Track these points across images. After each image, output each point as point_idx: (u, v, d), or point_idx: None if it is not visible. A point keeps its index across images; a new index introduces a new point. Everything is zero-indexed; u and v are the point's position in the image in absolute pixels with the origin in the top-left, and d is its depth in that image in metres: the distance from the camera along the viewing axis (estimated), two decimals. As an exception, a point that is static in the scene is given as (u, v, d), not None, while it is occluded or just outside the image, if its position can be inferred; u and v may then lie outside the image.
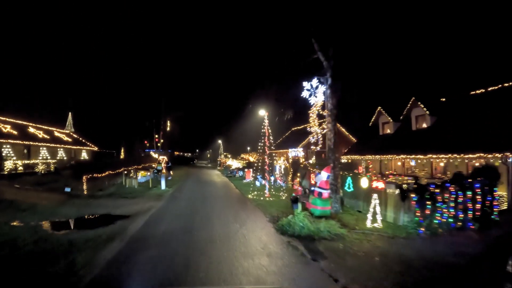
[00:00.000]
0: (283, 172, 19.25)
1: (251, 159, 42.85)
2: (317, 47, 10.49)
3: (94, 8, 59.24)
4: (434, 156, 16.59)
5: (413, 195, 8.59)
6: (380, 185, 9.43)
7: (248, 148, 64.63)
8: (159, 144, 39.05)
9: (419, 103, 19.46)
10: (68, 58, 58.23)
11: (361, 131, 27.85)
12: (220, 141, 42.71)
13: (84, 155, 37.27)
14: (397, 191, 8.93)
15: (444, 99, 20.37)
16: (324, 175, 9.06)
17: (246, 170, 22.17)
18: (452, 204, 9.14)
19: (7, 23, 44.86)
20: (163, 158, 27.92)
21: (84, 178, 14.86)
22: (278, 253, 6.16)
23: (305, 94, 9.74)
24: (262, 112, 14.33)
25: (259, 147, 14.92)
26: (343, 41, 10.61)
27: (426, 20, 24.32)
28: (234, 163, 31.20)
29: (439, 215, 8.87)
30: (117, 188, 16.84)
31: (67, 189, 14.76)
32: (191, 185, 19.87)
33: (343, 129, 37.44)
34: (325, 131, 9.77)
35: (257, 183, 18.36)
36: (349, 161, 24.17)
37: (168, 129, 41.55)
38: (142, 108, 39.22)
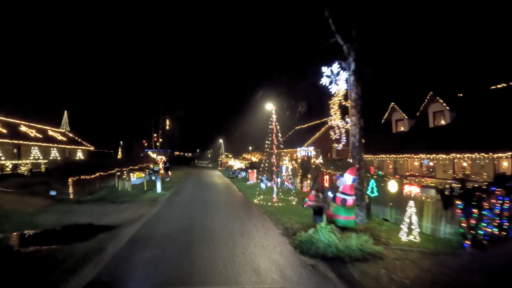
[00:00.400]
0: (290, 174, 17.70)
1: (254, 159, 41.34)
2: (334, 29, 8.96)
3: (92, 4, 57.82)
4: (458, 155, 15.04)
5: (458, 202, 7.06)
6: (414, 189, 7.88)
7: (250, 148, 63.16)
8: (158, 144, 37.57)
9: (437, 98, 17.92)
10: (65, 55, 56.83)
11: (372, 129, 26.27)
12: (221, 141, 41.15)
13: (80, 155, 35.80)
14: (438, 197, 7.39)
15: (462, 95, 18.82)
16: (348, 178, 7.52)
17: (249, 171, 20.64)
18: (497, 211, 7.62)
19: (1, 19, 43.51)
20: (161, 158, 26.43)
21: (70, 180, 13.33)
22: (302, 283, 4.62)
23: (324, 81, 8.18)
24: (270, 106, 12.78)
25: (266, 146, 13.40)
26: (366, 22, 9.07)
27: (441, 12, 22.74)
28: (237, 164, 29.66)
29: (484, 224, 7.35)
30: (109, 191, 15.33)
31: (52, 193, 13.25)
32: (190, 188, 18.34)
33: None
34: (348, 125, 8.21)
35: (262, 186, 16.82)
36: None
37: (167, 128, 40.02)
38: (141, 107, 37.90)
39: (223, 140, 41.73)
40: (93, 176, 15.95)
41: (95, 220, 8.76)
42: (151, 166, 23.67)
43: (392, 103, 22.08)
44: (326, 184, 12.76)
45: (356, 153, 8.00)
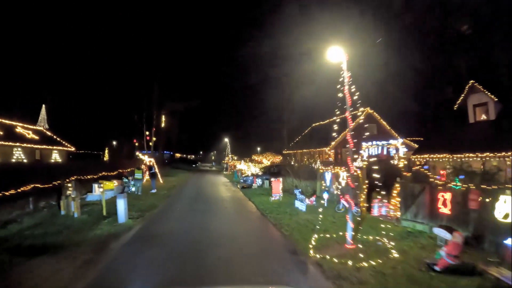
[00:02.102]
0: (341, 185, 11.15)
1: (265, 161, 34.81)
2: None
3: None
4: None
5: None
6: None
7: (258, 149, 56.58)
8: (150, 144, 31.32)
9: None
10: (47, 43, 50.09)
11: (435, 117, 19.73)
12: (226, 140, 34.69)
13: (56, 157, 29.53)
14: None
15: None
16: None
17: (273, 179, 14.07)
18: None
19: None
20: (150, 161, 20.00)
21: None
22: None
23: None
24: (337, 54, 6.14)
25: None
26: None
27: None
28: (251, 168, 23.01)
29: None
30: (42, 219, 8.90)
31: None
32: (181, 210, 11.38)
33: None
34: None
35: (299, 205, 10.33)
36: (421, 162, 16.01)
37: (163, 125, 33.70)
38: (132, 104, 31.43)
39: (229, 140, 35.35)
40: (20, 190, 9.53)
41: None
42: (126, 171, 17.19)
43: (471, 81, 15.51)
44: (445, 210, 6.30)
45: None
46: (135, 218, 8.96)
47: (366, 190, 9.34)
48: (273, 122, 55.06)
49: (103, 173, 16.41)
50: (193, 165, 61.49)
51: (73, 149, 32.49)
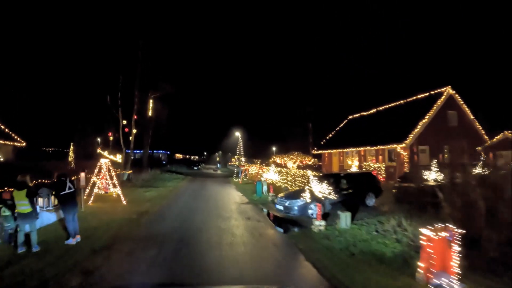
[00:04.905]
0: None
1: (291, 164, 24.94)
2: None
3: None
4: None
5: None
6: None
7: (274, 149, 46.68)
8: (131, 138, 21.71)
9: None
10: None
11: None
12: (238, 134, 24.86)
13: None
14: None
15: None
16: None
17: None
18: None
19: None
20: (100, 164, 10.40)
21: None
22: None
23: None
24: None
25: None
26: None
27: None
28: (313, 183, 12.44)
29: None
30: None
31: None
32: None
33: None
34: None
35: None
36: None
37: (150, 113, 24.09)
38: (106, 83, 21.76)
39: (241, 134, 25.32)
40: None
41: None
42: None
43: None
44: None
45: None
46: None
47: None
48: (293, 115, 45.26)
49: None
50: (194, 167, 51.65)
51: (23, 144, 23.08)
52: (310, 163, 25.52)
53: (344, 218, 7.89)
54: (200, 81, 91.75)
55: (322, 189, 8.67)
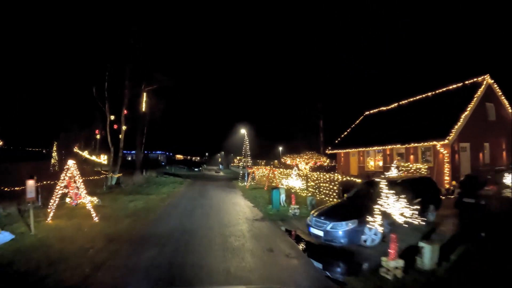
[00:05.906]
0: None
1: (303, 165, 21.84)
2: None
3: None
4: None
5: None
6: None
7: (280, 149, 43.53)
8: (120, 136, 18.66)
9: None
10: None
11: None
12: (244, 131, 21.77)
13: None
14: None
15: None
16: None
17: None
18: None
19: None
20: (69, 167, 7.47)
21: None
22: None
23: None
24: None
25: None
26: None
27: None
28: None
29: None
30: None
31: None
32: None
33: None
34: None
35: None
36: None
37: (143, 108, 21.04)
38: (93, 73, 18.80)
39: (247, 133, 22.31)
40: None
41: None
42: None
43: None
44: None
45: None
46: None
47: None
48: (300, 112, 42.15)
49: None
50: (195, 169, 48.53)
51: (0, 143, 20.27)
52: (325, 164, 22.42)
53: (430, 253, 4.82)
54: (202, 76, 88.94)
55: (390, 204, 5.56)
